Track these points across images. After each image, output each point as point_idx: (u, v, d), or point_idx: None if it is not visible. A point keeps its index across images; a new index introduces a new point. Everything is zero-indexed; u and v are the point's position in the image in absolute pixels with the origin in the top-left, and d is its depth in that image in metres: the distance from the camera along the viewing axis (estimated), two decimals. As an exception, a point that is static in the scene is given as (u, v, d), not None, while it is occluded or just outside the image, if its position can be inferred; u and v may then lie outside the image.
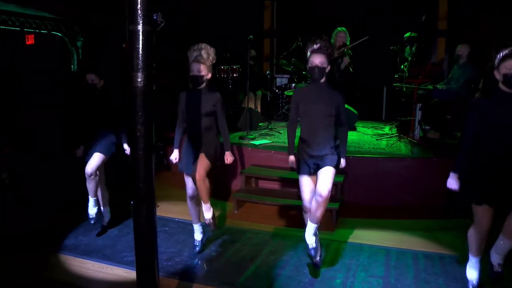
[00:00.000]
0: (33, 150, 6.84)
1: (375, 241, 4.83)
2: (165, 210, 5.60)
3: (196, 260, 4.37)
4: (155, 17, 2.63)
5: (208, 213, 4.41)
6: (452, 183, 3.52)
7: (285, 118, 9.09)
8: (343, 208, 5.61)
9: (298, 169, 4.07)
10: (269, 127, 8.17)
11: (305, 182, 4.02)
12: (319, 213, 3.87)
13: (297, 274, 4.07)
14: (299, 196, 4.25)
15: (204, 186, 4.22)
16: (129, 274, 3.96)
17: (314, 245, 3.93)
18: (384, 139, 7.46)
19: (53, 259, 4.34)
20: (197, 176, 4.18)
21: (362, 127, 8.61)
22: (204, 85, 4.22)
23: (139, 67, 2.55)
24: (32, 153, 6.79)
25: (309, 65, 3.91)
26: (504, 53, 3.29)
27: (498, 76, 3.34)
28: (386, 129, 8.39)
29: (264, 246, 4.71)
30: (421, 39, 7.96)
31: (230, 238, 4.91)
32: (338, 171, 4.05)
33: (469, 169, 3.46)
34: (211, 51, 4.21)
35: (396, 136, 7.46)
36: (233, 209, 5.79)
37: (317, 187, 3.88)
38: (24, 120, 7.05)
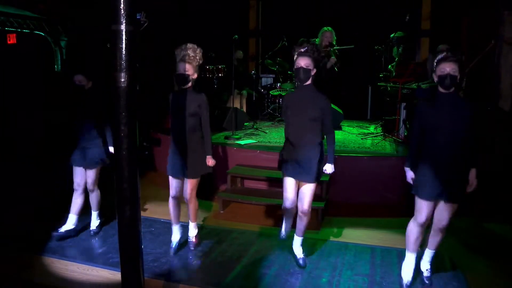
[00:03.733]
0: (15, 152, 6.75)
1: (360, 240, 4.87)
2: (150, 210, 5.57)
3: (182, 261, 4.35)
4: (138, 17, 2.61)
5: (193, 230, 4.61)
6: (408, 176, 3.77)
7: (271, 118, 9.11)
8: (328, 207, 5.63)
9: (283, 170, 4.11)
10: (255, 126, 8.17)
11: (289, 182, 4.07)
12: (302, 226, 4.16)
13: (284, 273, 4.09)
14: (284, 196, 4.26)
15: (192, 205, 4.46)
16: (115, 275, 3.93)
17: (302, 255, 4.22)
18: (369, 138, 7.51)
19: (35, 262, 4.28)
20: (187, 196, 4.34)
21: (347, 126, 8.66)
22: (189, 84, 4.22)
23: (122, 67, 2.53)
24: (14, 154, 6.69)
25: (295, 67, 3.96)
26: (439, 57, 3.52)
27: (435, 78, 3.56)
28: (371, 128, 8.45)
29: (250, 245, 4.71)
30: (407, 39, 8.04)
31: (216, 238, 4.90)
32: (327, 172, 4.11)
33: (416, 166, 3.68)
34: (198, 51, 4.22)
35: (381, 135, 7.51)
36: (218, 209, 5.78)
37: (298, 204, 4.06)
38: (5, 121, 6.95)
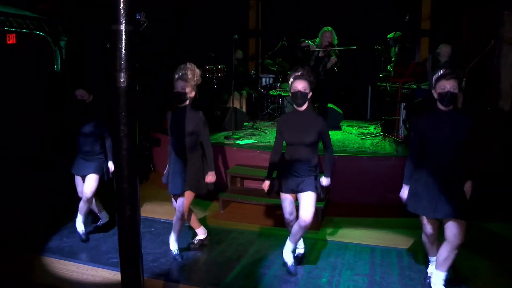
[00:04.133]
0: (15, 152, 6.74)
1: (360, 240, 4.87)
2: (150, 210, 5.57)
3: (182, 260, 4.35)
4: (138, 17, 2.60)
5: (201, 235, 4.69)
6: (403, 193, 3.77)
7: (270, 118, 9.11)
8: (328, 207, 5.64)
9: (280, 187, 4.07)
10: (254, 126, 8.18)
11: (286, 198, 4.05)
12: (299, 235, 4.08)
13: (283, 273, 4.09)
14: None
15: (190, 216, 4.55)
16: (114, 275, 3.93)
17: (291, 261, 4.10)
18: (369, 138, 7.51)
19: (36, 262, 4.29)
20: (181, 210, 4.33)
21: (347, 126, 8.67)
22: (187, 103, 4.24)
23: (122, 67, 2.53)
24: (14, 154, 6.68)
25: (292, 90, 3.95)
26: (438, 74, 3.54)
27: (435, 95, 3.57)
28: (371, 128, 8.45)
29: (249, 245, 4.71)
30: (405, 39, 8.04)
31: (216, 238, 4.90)
32: (321, 189, 4.09)
33: (413, 182, 3.66)
34: (197, 71, 4.27)
35: (380, 135, 7.51)
36: (218, 209, 5.78)
37: (300, 213, 3.97)
38: (5, 121, 6.94)
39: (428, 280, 3.85)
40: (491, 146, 6.16)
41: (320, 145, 4.03)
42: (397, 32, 7.93)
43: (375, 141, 7.25)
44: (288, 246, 4.12)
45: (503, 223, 5.24)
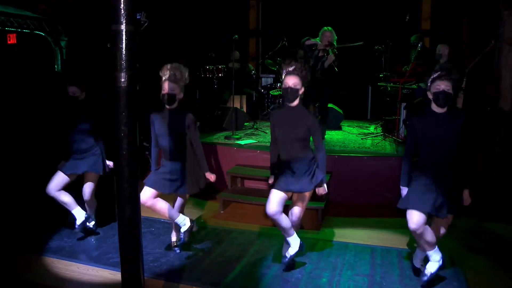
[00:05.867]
0: (15, 152, 6.74)
1: (360, 240, 4.87)
2: (150, 210, 5.55)
3: (182, 260, 4.35)
4: (138, 17, 2.61)
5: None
6: (403, 194, 3.82)
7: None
8: (328, 207, 5.64)
9: (276, 185, 4.00)
10: (255, 126, 8.18)
11: (278, 196, 3.93)
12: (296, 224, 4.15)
13: (283, 273, 4.08)
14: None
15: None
16: (115, 275, 3.93)
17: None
18: (369, 138, 7.52)
19: (36, 262, 4.28)
20: (178, 210, 4.35)
21: (347, 126, 8.67)
22: (176, 104, 4.19)
23: (123, 67, 2.53)
24: (14, 154, 6.68)
25: (282, 86, 3.94)
26: (433, 76, 3.58)
27: (430, 96, 3.60)
28: (371, 128, 8.45)
29: (250, 245, 4.71)
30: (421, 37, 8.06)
31: (216, 238, 4.91)
32: (320, 193, 4.04)
33: (410, 182, 3.74)
34: (185, 71, 4.19)
35: (381, 135, 7.52)
36: (219, 209, 5.79)
37: (293, 209, 4.08)
38: (5, 121, 6.94)
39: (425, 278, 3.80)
40: (491, 146, 6.15)
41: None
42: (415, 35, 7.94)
43: (375, 141, 7.25)
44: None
45: (503, 223, 5.24)
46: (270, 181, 4.19)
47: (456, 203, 3.59)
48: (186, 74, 4.20)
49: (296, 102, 3.93)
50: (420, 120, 3.66)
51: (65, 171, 4.63)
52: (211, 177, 4.39)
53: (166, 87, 4.11)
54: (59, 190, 4.62)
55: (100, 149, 4.74)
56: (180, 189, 4.27)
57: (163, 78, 4.13)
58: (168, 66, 4.15)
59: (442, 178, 3.55)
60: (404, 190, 3.79)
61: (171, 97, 4.13)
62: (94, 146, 4.71)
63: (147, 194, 4.15)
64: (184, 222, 4.38)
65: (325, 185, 4.03)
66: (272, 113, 4.23)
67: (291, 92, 3.87)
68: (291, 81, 3.86)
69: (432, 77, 3.59)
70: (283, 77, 3.94)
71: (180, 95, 4.19)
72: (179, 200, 4.42)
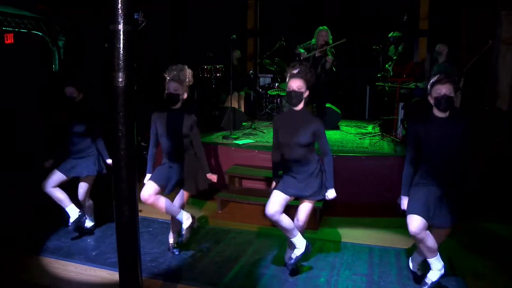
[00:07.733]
0: (15, 152, 6.73)
1: (358, 239, 4.87)
2: (148, 210, 5.55)
3: (180, 260, 4.35)
4: (136, 17, 2.60)
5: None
6: (403, 205, 3.70)
7: (269, 118, 9.11)
8: (326, 207, 5.63)
9: (281, 189, 3.92)
10: (253, 126, 8.17)
11: (279, 197, 3.87)
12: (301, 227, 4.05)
13: (282, 273, 4.08)
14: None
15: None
16: (113, 275, 3.92)
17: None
18: (367, 138, 7.52)
19: (33, 262, 4.27)
20: (179, 206, 4.31)
21: (345, 126, 8.67)
22: (179, 104, 4.20)
23: (120, 67, 2.53)
24: (14, 154, 6.68)
25: (287, 89, 3.85)
26: (433, 80, 3.51)
27: (431, 100, 3.53)
28: (369, 128, 8.46)
29: (248, 245, 4.71)
30: (405, 39, 8.05)
31: (214, 238, 4.90)
32: (329, 199, 3.97)
33: (412, 186, 3.65)
34: (189, 72, 4.20)
35: (379, 134, 7.52)
36: (217, 209, 5.78)
37: (298, 215, 4.00)
38: (5, 121, 6.93)
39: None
40: (491, 146, 6.17)
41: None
42: (397, 32, 7.93)
43: (373, 140, 7.25)
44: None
45: (503, 223, 5.25)
46: (273, 186, 4.11)
47: (456, 215, 3.50)
48: (191, 75, 4.21)
49: (300, 106, 3.84)
50: (423, 126, 3.55)
51: (61, 171, 4.64)
52: (213, 177, 4.38)
53: (169, 87, 4.13)
54: (54, 187, 4.62)
55: (98, 149, 4.73)
56: (180, 188, 4.28)
57: (167, 78, 4.15)
58: (173, 67, 4.17)
59: (444, 186, 3.48)
60: (405, 200, 3.67)
61: (174, 97, 4.13)
62: (90, 147, 4.70)
63: (149, 191, 4.12)
64: (187, 218, 4.36)
65: (333, 189, 3.93)
66: (275, 118, 4.15)
67: (295, 95, 3.78)
68: (295, 84, 3.77)
69: (431, 81, 3.51)
70: (287, 80, 3.86)
71: (184, 96, 4.20)
72: (178, 200, 4.41)
